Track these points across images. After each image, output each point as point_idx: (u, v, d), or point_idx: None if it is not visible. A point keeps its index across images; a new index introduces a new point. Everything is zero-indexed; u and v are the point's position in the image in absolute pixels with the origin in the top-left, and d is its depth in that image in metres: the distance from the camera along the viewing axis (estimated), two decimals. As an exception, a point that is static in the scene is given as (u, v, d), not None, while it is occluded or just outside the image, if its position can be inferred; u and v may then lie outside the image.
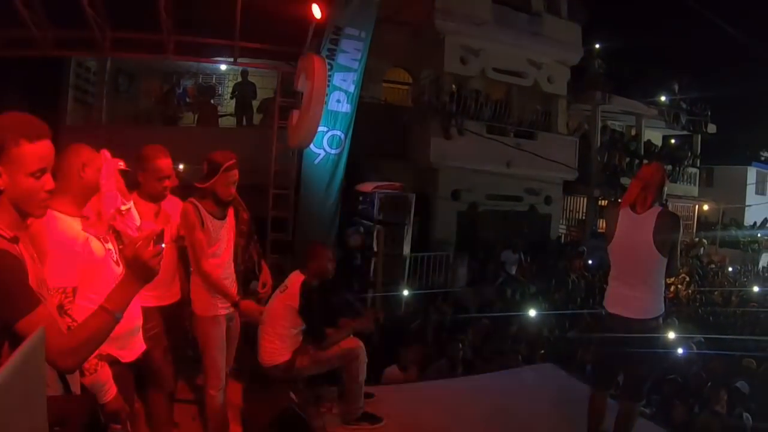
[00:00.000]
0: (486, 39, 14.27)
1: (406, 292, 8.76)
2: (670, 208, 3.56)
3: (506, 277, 12.10)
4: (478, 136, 13.74)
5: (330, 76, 8.00)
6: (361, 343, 4.04)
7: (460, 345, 6.64)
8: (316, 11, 7.07)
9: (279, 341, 3.95)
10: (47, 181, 1.66)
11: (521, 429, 4.10)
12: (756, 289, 14.14)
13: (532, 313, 8.60)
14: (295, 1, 7.06)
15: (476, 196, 14.31)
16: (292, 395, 4.11)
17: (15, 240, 1.62)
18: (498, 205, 14.94)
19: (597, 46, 18.08)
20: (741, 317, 11.76)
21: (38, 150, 1.62)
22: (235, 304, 3.43)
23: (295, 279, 3.98)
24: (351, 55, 8.48)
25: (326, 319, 4.11)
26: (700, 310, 11.92)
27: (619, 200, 3.71)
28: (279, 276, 4.20)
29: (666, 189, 3.52)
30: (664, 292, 3.60)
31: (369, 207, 9.00)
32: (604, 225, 3.65)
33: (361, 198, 9.14)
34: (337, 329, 4.08)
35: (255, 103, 12.62)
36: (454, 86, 13.92)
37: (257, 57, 8.98)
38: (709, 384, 6.45)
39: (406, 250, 9.28)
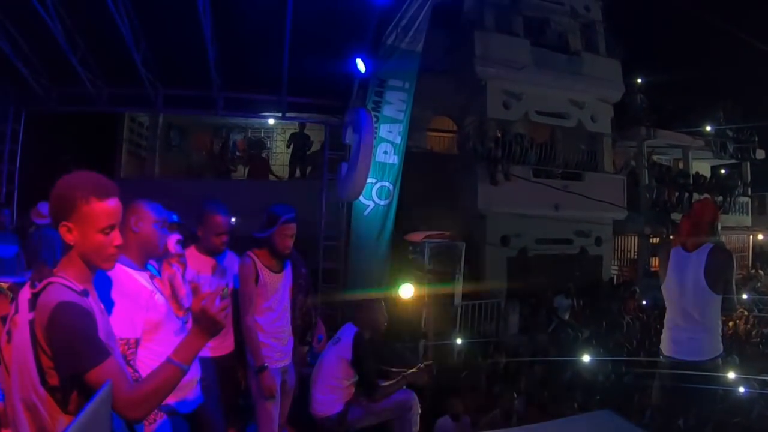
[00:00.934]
0: (527, 82, 14.33)
1: (458, 342, 8.62)
2: (724, 240, 3.42)
3: (559, 323, 11.80)
4: (525, 181, 13.70)
5: (377, 128, 8.15)
6: (415, 395, 4.02)
7: (515, 394, 6.47)
8: (361, 66, 7.30)
9: (331, 393, 3.95)
10: (116, 236, 1.75)
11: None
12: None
13: (587, 358, 8.34)
14: (339, 56, 7.32)
15: (525, 241, 14.15)
16: (345, 447, 4.06)
17: (85, 293, 1.71)
18: (548, 249, 14.70)
19: (638, 80, 17.97)
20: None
21: (107, 207, 1.73)
22: (260, 369, 3.43)
23: (348, 331, 4.02)
24: (396, 106, 8.62)
25: (379, 371, 4.11)
26: (761, 346, 11.29)
27: (671, 238, 3.63)
28: (330, 327, 4.22)
29: (719, 224, 3.45)
30: (722, 330, 3.47)
31: (419, 257, 8.96)
32: (657, 264, 3.56)
33: (411, 248, 9.13)
34: (390, 381, 4.07)
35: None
36: (498, 131, 14.04)
37: (305, 111, 9.27)
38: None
39: (457, 299, 9.17)
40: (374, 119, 7.95)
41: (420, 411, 4.02)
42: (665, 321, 3.54)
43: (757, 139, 20.81)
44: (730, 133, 20.12)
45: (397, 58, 8.53)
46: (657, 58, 18.80)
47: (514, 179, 13.56)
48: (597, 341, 10.36)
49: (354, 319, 4.10)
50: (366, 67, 7.41)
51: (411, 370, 4.22)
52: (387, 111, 8.64)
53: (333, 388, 3.94)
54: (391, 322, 5.04)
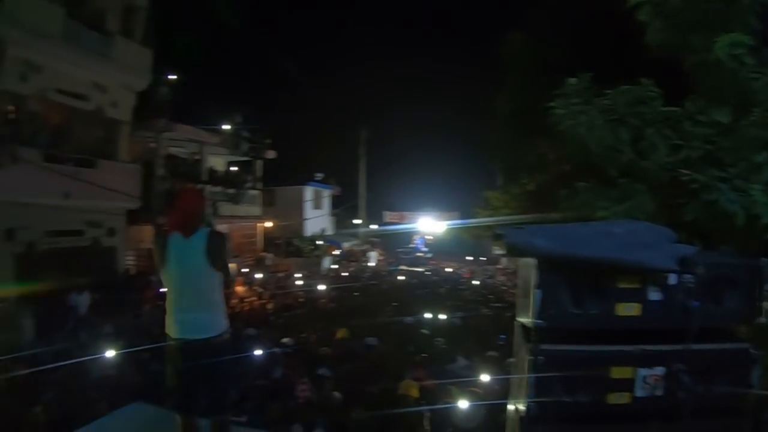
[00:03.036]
0: (51, 55, 13.28)
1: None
2: (235, 227, 3.95)
3: (77, 321, 11.64)
4: (33, 165, 12.65)
5: None
6: None
7: (38, 409, 6.22)
8: None
9: None
10: None
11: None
12: (320, 287, 17.44)
13: (111, 353, 8.47)
14: None
15: (34, 234, 13.20)
16: None
17: None
18: (59, 242, 14.08)
19: (166, 74, 18.62)
20: (311, 313, 13.99)
21: None
22: None
23: None
24: None
25: None
26: (272, 317, 13.59)
27: (163, 225, 3.92)
28: None
29: (206, 211, 3.88)
30: (227, 308, 3.91)
31: None
32: (155, 254, 3.86)
33: None
34: None
35: None
36: (10, 106, 12.56)
37: None
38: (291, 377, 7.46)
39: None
40: None
41: None
42: (168, 305, 3.76)
43: (269, 141, 24.57)
44: (246, 134, 23.08)
45: None
46: (188, 55, 19.88)
47: (22, 163, 12.39)
48: (119, 334, 10.52)
49: None
50: None
51: None
52: None
53: None
54: None
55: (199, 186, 18.93)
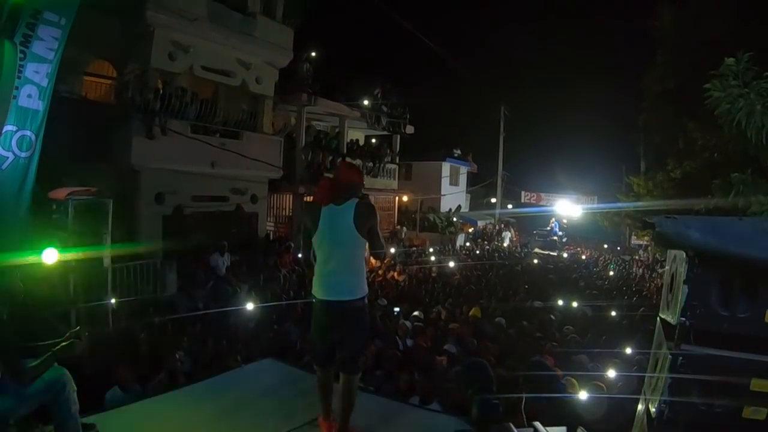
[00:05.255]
0: (197, 36, 14.33)
1: (113, 307, 8.42)
2: (372, 200, 4.06)
3: (217, 280, 12.42)
4: (182, 136, 13.74)
5: (22, 66, 7.31)
6: (65, 371, 3.80)
7: (177, 355, 6.67)
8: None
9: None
10: None
11: (252, 427, 4.34)
12: (452, 264, 17.51)
13: (247, 309, 9.05)
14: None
15: (181, 199, 14.34)
16: (4, 444, 3.72)
17: None
18: (204, 206, 15.20)
19: (307, 50, 19.57)
20: (443, 289, 14.16)
21: None
22: None
23: None
24: (47, 43, 7.63)
25: (23, 350, 3.71)
26: (406, 288, 13.94)
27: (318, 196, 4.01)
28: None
29: (358, 184, 4.06)
30: (370, 276, 4.16)
31: (63, 216, 8.36)
32: (306, 220, 4.06)
33: (54, 207, 8.45)
34: (38, 360, 3.69)
35: None
36: (159, 83, 13.73)
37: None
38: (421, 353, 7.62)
39: (106, 261, 8.88)
40: (21, 56, 7.15)
41: (75, 388, 3.78)
42: (316, 268, 4.02)
43: (408, 116, 24.98)
44: (385, 109, 23.65)
45: (57, -13, 7.67)
46: (328, 32, 20.68)
47: (171, 134, 13.52)
48: (256, 295, 11.20)
49: None
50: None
51: (62, 344, 3.83)
52: (37, 48, 7.64)
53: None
54: (36, 291, 4.71)
55: (345, 159, 19.60)
